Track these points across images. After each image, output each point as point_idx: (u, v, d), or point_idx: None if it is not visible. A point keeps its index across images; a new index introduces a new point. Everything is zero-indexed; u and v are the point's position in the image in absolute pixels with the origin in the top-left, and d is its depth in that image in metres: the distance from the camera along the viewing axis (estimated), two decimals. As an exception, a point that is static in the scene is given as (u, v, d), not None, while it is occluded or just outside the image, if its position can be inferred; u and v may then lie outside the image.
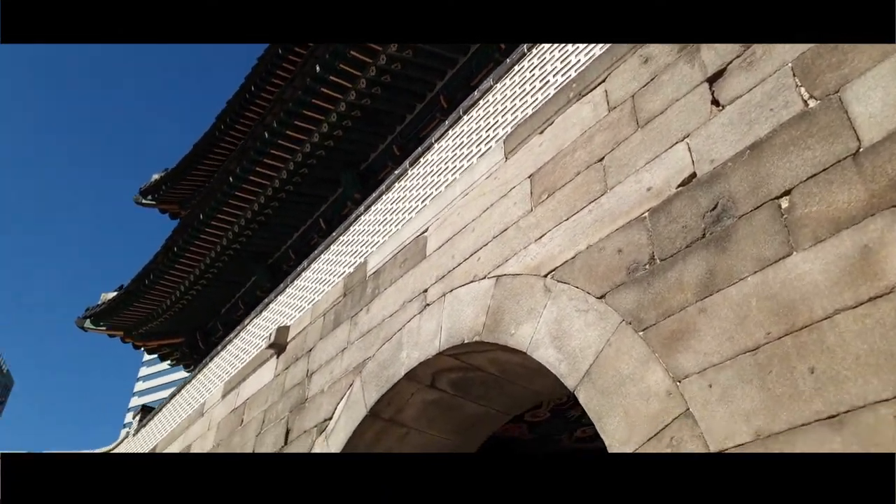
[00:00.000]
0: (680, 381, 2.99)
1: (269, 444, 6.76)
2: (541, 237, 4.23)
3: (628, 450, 3.09)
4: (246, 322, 9.29)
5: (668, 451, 2.90)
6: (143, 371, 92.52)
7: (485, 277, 4.63)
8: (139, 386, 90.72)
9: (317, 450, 5.75)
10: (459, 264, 4.99)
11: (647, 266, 3.42)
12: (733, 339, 2.84)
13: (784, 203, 2.90)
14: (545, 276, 4.06)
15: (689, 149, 3.47)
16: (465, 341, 4.58)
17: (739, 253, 2.98)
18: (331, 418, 5.81)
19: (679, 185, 3.44)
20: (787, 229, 2.84)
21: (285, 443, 6.44)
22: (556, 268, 4.00)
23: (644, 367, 3.18)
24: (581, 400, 3.46)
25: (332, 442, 5.56)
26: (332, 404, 5.90)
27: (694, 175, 3.38)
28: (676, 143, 3.57)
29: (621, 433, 3.16)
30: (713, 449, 2.73)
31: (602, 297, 3.59)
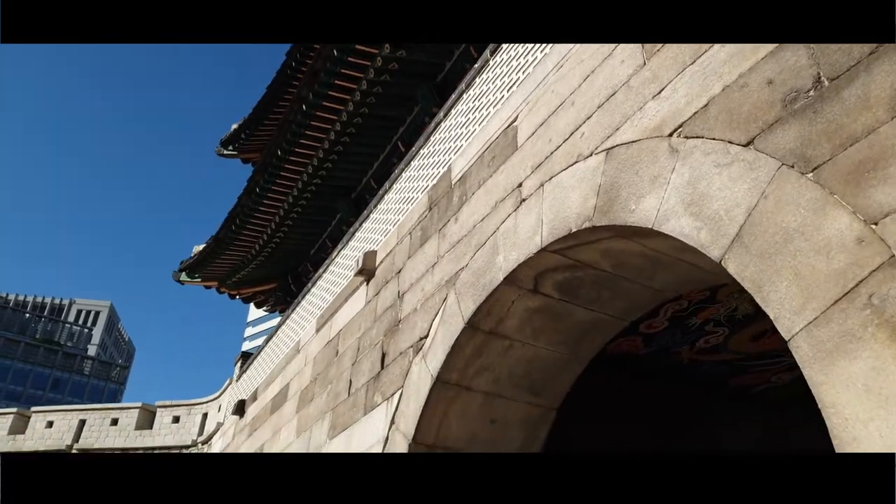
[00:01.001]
0: (876, 224, 2.26)
1: (366, 371, 6.42)
2: (660, 92, 3.49)
3: (803, 320, 2.41)
4: (334, 255, 8.97)
5: (867, 312, 2.20)
6: (249, 331, 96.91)
7: (591, 154, 3.94)
8: (246, 346, 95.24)
9: (414, 370, 5.32)
10: (559, 147, 4.32)
11: (810, 92, 2.65)
12: (959, 155, 2.08)
13: None
14: (670, 135, 3.34)
15: (862, -67, 2.63)
16: (573, 230, 3.95)
17: (957, 42, 2.18)
18: (426, 336, 5.35)
19: (850, -17, 2.62)
20: None
21: (382, 367, 6.07)
22: (684, 122, 3.27)
23: (819, 216, 2.45)
24: (732, 270, 2.78)
25: (431, 360, 5.10)
26: (427, 321, 5.44)
27: (872, -36, 2.56)
28: (841, -69, 2.73)
29: (793, 301, 2.47)
30: (939, 301, 2.01)
31: (749, 143, 2.86)
